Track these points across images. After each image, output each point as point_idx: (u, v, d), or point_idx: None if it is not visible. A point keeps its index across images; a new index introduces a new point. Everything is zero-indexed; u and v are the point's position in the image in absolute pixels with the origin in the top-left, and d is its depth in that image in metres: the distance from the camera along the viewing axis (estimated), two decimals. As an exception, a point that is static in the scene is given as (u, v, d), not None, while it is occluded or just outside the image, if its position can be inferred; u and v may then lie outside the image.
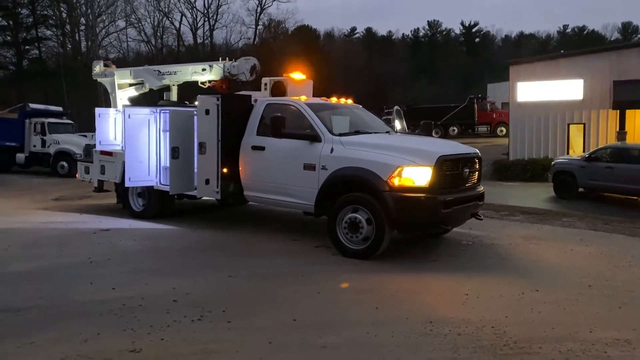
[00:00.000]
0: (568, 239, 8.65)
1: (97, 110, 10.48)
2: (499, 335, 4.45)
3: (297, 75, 8.89)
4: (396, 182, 6.59)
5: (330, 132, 7.39)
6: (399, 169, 6.59)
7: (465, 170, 7.18)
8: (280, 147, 7.68)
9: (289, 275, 6.23)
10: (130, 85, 11.01)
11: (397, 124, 19.81)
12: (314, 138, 7.38)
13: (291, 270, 6.44)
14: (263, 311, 5.00)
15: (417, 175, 6.60)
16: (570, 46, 50.57)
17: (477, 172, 7.58)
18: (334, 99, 8.68)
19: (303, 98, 8.11)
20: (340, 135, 7.40)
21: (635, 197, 13.74)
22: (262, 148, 7.90)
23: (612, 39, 66.57)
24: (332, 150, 7.18)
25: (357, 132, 7.74)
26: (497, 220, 10.21)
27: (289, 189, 7.60)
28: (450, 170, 6.91)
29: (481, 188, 7.73)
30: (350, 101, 8.95)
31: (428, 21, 76.93)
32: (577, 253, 7.72)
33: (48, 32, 42.99)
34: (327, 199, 7.16)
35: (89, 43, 39.31)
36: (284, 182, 7.64)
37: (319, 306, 5.18)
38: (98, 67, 11.25)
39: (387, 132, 8.47)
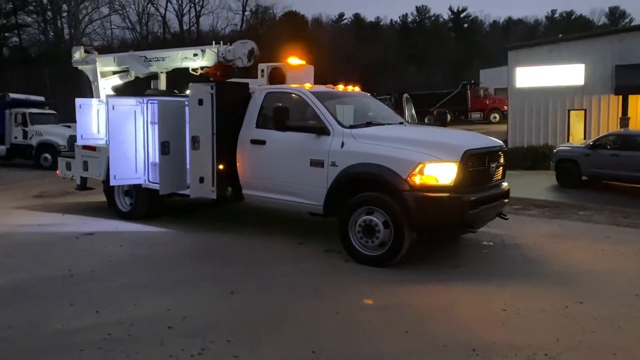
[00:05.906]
0: (594, 237, 8.03)
1: (78, 101, 9.56)
2: (558, 366, 3.77)
3: (297, 61, 8.12)
4: (417, 180, 5.84)
5: (340, 124, 6.61)
6: (420, 166, 5.84)
7: (492, 165, 6.45)
8: (283, 140, 6.90)
9: (300, 288, 5.49)
10: (114, 73, 10.10)
11: (406, 114, 18.58)
12: (322, 131, 6.61)
13: (301, 281, 5.69)
14: (275, 339, 4.25)
15: (441, 173, 5.86)
16: (558, 31, 49.99)
17: (502, 167, 6.86)
18: (340, 87, 7.89)
19: (307, 86, 7.31)
20: (351, 127, 6.62)
21: (641, 186, 13.18)
22: (263, 142, 7.11)
23: (599, 24, 66.14)
24: (342, 144, 6.40)
25: (369, 124, 6.98)
26: (513, 216, 9.47)
27: (293, 187, 6.83)
28: (476, 165, 6.16)
29: (506, 184, 7.04)
30: (357, 89, 8.15)
31: (416, 6, 75.62)
32: (609, 253, 7.07)
33: (28, 19, 41.50)
34: (337, 199, 6.40)
35: (72, 30, 37.73)
36: (288, 180, 6.87)
37: (340, 331, 4.44)
38: (78, 54, 10.31)
39: (401, 123, 7.72)
